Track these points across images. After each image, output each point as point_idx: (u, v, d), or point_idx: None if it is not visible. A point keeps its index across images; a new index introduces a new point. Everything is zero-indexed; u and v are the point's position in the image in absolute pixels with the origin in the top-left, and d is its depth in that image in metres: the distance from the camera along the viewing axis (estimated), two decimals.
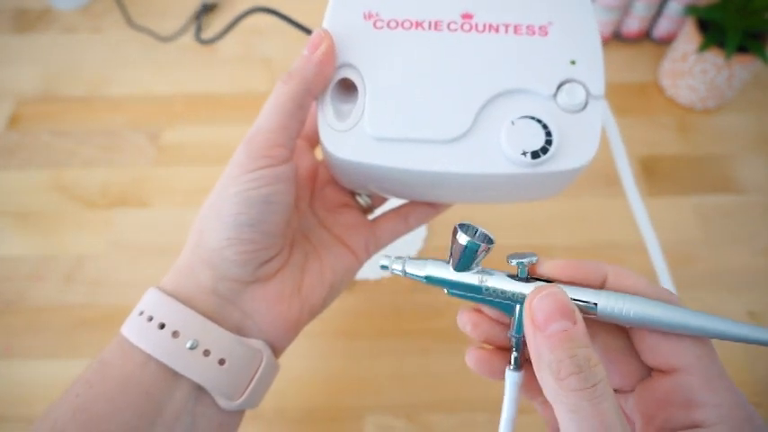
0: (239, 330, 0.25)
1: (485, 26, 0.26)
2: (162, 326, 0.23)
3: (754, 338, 0.18)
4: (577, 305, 0.19)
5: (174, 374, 0.23)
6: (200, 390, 0.24)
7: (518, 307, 0.21)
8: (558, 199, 0.50)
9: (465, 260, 0.22)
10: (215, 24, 0.64)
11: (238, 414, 0.25)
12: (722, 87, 0.52)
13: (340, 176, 0.29)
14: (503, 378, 0.21)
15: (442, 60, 0.25)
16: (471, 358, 0.22)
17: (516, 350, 0.21)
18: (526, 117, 0.24)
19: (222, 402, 0.24)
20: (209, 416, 0.24)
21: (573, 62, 0.25)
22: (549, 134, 0.24)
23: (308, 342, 0.43)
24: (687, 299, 0.44)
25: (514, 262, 0.21)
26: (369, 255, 0.30)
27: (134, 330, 0.24)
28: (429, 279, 0.23)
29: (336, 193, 0.31)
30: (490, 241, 0.21)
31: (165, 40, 0.63)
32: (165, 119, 0.56)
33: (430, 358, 0.42)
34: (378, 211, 0.34)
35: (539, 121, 0.24)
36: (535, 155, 0.24)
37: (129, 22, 0.64)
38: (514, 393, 0.21)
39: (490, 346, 0.22)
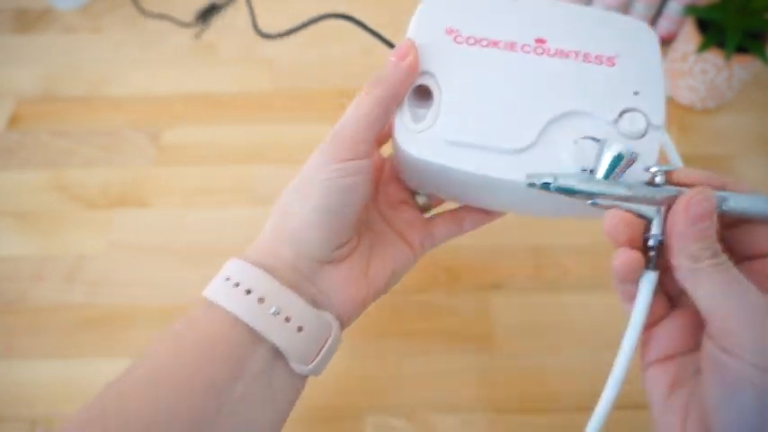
0: (314, 304, 0.27)
1: (556, 51, 0.28)
2: (248, 291, 0.25)
3: None
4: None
5: (257, 337, 0.25)
6: (277, 354, 0.26)
7: (662, 210, 0.23)
8: None
9: (611, 170, 0.24)
10: (217, 25, 0.64)
11: (304, 380, 0.28)
12: (722, 87, 0.52)
13: (407, 174, 0.31)
14: (634, 283, 0.23)
15: (514, 78, 0.27)
16: (626, 255, 0.23)
17: (655, 251, 0.23)
18: (588, 138, 0.26)
19: (296, 367, 0.26)
20: (282, 378, 0.26)
21: (636, 93, 0.27)
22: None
23: None
24: None
25: (655, 169, 0.24)
26: (424, 251, 0.32)
27: (221, 294, 0.25)
28: (580, 191, 0.24)
29: (398, 191, 0.33)
30: (633, 156, 0.24)
31: (166, 39, 0.63)
32: (165, 119, 0.56)
33: (430, 358, 0.42)
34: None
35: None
36: (593, 173, 0.25)
37: (136, 18, 0.64)
38: (650, 294, 0.23)
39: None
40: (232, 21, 0.65)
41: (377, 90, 0.26)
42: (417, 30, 0.28)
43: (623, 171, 0.24)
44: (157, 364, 0.24)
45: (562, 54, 0.28)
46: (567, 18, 0.29)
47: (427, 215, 0.34)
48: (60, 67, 0.61)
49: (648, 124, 0.26)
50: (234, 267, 0.26)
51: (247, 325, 0.25)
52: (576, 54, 0.28)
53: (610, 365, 0.42)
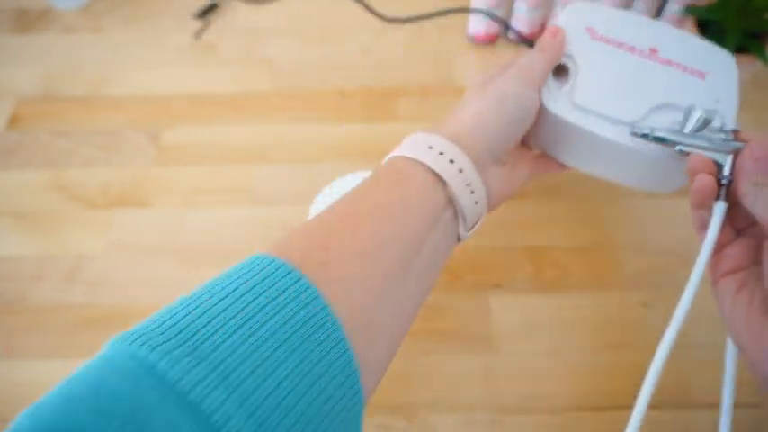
0: None
1: (664, 60, 0.38)
2: (451, 161, 0.30)
3: None
4: None
5: (450, 200, 0.31)
6: (455, 217, 0.31)
7: (730, 158, 0.30)
8: (558, 199, 0.50)
9: (694, 126, 0.33)
10: (217, 24, 0.64)
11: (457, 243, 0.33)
12: None
13: (536, 127, 0.39)
14: (707, 210, 0.30)
15: (632, 71, 0.37)
16: (704, 178, 0.30)
17: (725, 188, 0.30)
18: (681, 122, 0.35)
19: (462, 231, 0.32)
20: (452, 237, 0.32)
21: (717, 101, 0.36)
22: None
23: None
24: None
25: (728, 128, 0.32)
26: (531, 178, 0.40)
27: (430, 159, 0.30)
28: (670, 139, 0.33)
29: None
30: (709, 120, 0.33)
31: (166, 39, 0.63)
32: (165, 119, 0.56)
33: (430, 358, 0.42)
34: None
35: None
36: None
37: (136, 18, 0.64)
38: (721, 217, 0.30)
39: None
40: (232, 20, 0.65)
41: (546, 52, 0.36)
42: (565, 24, 0.39)
43: (702, 128, 0.33)
44: (380, 200, 0.29)
45: (668, 63, 0.38)
46: (674, 37, 0.39)
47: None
48: (60, 67, 0.61)
49: (723, 124, 0.34)
50: (434, 140, 0.31)
51: (447, 188, 0.30)
52: (678, 65, 0.38)
53: (610, 365, 0.42)
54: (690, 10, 0.51)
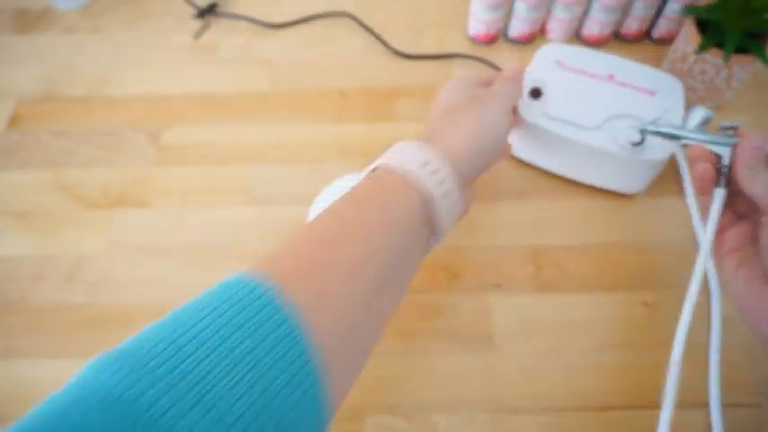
0: None
1: (621, 83, 0.47)
2: (442, 182, 0.32)
3: None
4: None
5: (431, 217, 0.32)
6: (430, 233, 0.33)
7: (728, 149, 0.34)
8: (558, 199, 0.50)
9: (696, 123, 0.38)
10: (217, 24, 0.64)
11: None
12: (721, 88, 0.52)
13: (517, 137, 0.50)
14: (709, 196, 0.34)
15: (593, 91, 0.47)
16: (703, 165, 0.34)
17: (724, 176, 0.34)
18: (634, 127, 0.43)
19: (432, 241, 0.34)
20: (423, 252, 0.34)
21: (666, 111, 0.45)
22: (644, 138, 0.43)
23: None
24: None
25: (728, 124, 0.36)
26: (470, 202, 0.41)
27: (423, 177, 0.31)
28: (676, 134, 0.38)
29: None
30: (710, 118, 0.38)
31: (165, 39, 0.63)
32: (165, 119, 0.56)
33: (430, 358, 0.42)
34: None
35: (642, 131, 0.43)
36: (635, 144, 0.43)
37: (136, 18, 0.64)
38: (721, 202, 0.34)
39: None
40: (232, 21, 0.65)
41: (514, 82, 0.41)
42: (539, 59, 0.49)
43: (703, 125, 0.38)
44: (368, 216, 0.30)
45: (623, 85, 0.47)
46: (629, 66, 0.48)
47: None
48: (60, 67, 0.61)
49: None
50: (430, 155, 0.32)
51: (433, 206, 0.31)
52: (631, 86, 0.46)
53: (610, 365, 0.42)
54: (689, 10, 0.51)
